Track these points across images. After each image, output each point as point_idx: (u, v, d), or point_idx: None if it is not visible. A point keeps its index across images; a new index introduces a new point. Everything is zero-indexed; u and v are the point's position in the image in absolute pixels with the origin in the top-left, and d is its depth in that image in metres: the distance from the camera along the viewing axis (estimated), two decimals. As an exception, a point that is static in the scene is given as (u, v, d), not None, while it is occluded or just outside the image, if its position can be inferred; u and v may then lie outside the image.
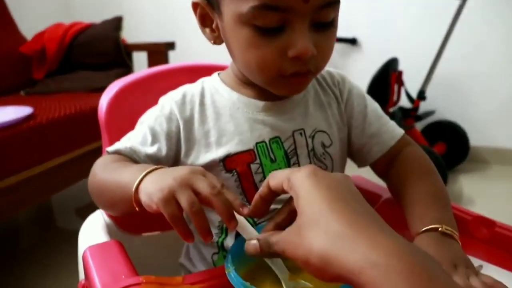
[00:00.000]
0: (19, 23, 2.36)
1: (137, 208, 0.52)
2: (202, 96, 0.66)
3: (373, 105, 0.72)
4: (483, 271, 0.51)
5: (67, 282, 1.43)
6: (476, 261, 0.55)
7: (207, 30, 0.63)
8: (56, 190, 1.59)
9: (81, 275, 0.64)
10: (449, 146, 2.35)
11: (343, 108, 0.70)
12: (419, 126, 2.36)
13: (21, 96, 2.05)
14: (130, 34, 2.32)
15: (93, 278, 0.52)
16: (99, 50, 2.18)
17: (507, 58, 2.34)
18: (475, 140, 2.41)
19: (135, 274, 0.52)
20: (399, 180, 0.66)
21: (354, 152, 0.72)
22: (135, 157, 0.63)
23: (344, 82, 0.72)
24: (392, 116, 2.28)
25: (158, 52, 2.05)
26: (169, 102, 0.66)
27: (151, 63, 2.07)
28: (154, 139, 0.64)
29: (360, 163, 0.73)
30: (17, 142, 1.31)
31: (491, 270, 0.54)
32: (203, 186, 0.46)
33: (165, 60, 2.05)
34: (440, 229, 0.54)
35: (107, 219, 0.75)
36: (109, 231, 0.72)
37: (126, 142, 0.64)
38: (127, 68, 2.18)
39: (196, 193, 0.47)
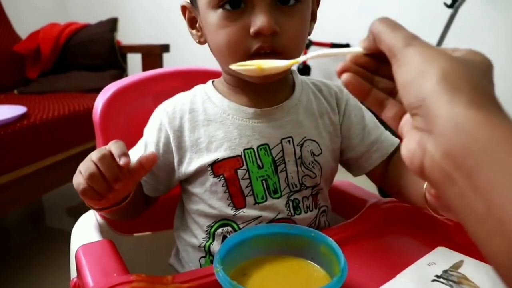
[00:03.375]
0: (13, 21, 2.35)
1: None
2: (193, 103, 0.68)
3: (369, 115, 0.74)
4: (464, 266, 0.54)
5: (58, 281, 1.43)
6: (457, 256, 0.57)
7: (194, 31, 0.68)
8: (47, 190, 1.60)
9: (73, 274, 0.65)
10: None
11: (339, 119, 0.72)
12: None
13: (14, 95, 2.06)
14: (125, 36, 2.33)
15: (85, 276, 0.54)
16: (94, 51, 2.18)
17: (498, 67, 2.35)
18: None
19: (127, 272, 0.53)
20: (398, 167, 0.67)
21: (353, 161, 0.73)
22: None
23: (342, 93, 0.73)
24: (387, 122, 2.30)
25: (153, 54, 2.06)
26: (160, 113, 0.69)
27: (146, 65, 2.07)
28: (146, 150, 0.67)
29: (358, 172, 0.74)
30: (10, 141, 1.31)
31: (472, 265, 0.55)
32: (94, 155, 0.52)
33: (159, 62, 2.06)
34: None
35: (99, 219, 0.76)
36: (101, 230, 0.73)
37: None
38: (122, 70, 2.18)
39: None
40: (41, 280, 1.47)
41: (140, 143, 0.69)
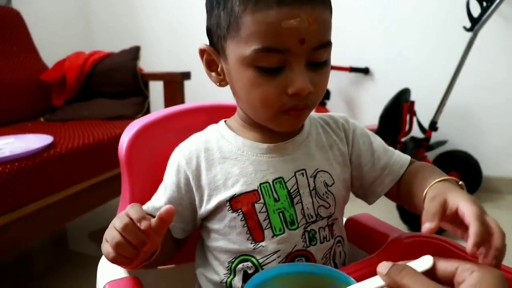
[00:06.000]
0: (41, 50, 2.44)
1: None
2: (207, 142, 0.71)
3: (377, 140, 0.77)
4: None
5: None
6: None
7: (213, 74, 0.69)
8: (72, 218, 1.62)
9: (100, 308, 0.67)
10: (461, 175, 2.34)
11: (348, 149, 0.74)
12: (430, 155, 2.37)
13: (41, 122, 2.12)
14: (147, 63, 2.38)
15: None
16: (117, 79, 2.24)
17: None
18: (487, 170, 2.41)
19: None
20: (412, 178, 0.70)
21: (367, 187, 0.75)
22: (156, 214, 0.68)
23: (348, 124, 0.77)
24: (404, 145, 2.29)
25: (174, 81, 2.10)
26: (176, 156, 0.72)
27: (167, 92, 2.12)
28: (165, 192, 0.70)
29: (372, 198, 0.76)
30: (37, 171, 1.34)
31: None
32: (117, 224, 0.54)
33: (181, 90, 2.10)
34: (460, 182, 0.61)
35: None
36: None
37: (150, 202, 0.71)
38: (144, 97, 2.23)
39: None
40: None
41: (161, 188, 0.72)
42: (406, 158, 0.75)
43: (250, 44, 0.58)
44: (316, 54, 0.60)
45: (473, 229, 0.48)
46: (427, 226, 0.51)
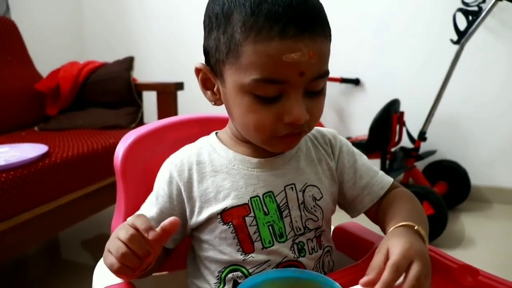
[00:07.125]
0: (35, 60, 2.45)
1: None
2: (199, 155, 0.73)
3: (362, 159, 0.79)
4: None
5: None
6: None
7: (209, 92, 0.70)
8: (66, 226, 1.63)
9: (95, 314, 0.69)
10: (450, 185, 2.38)
11: (334, 164, 0.76)
12: (419, 165, 2.40)
13: (35, 131, 2.13)
14: (139, 74, 2.40)
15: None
16: (111, 89, 2.25)
17: (505, 99, 2.41)
18: (476, 179, 2.45)
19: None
20: (385, 209, 0.72)
21: (348, 203, 0.78)
22: None
23: (336, 141, 0.79)
24: (394, 155, 2.33)
25: (168, 92, 2.12)
26: (168, 167, 0.73)
27: (161, 103, 2.14)
28: (157, 203, 0.71)
29: (353, 213, 0.79)
30: (31, 180, 1.35)
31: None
32: (121, 234, 0.55)
33: (174, 100, 2.12)
34: (416, 227, 0.61)
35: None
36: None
37: (139, 212, 0.72)
38: (138, 107, 2.25)
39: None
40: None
41: (151, 198, 0.73)
42: (388, 180, 0.77)
43: (249, 73, 0.58)
44: (313, 84, 0.61)
45: (382, 276, 0.52)
46: (364, 279, 0.54)
